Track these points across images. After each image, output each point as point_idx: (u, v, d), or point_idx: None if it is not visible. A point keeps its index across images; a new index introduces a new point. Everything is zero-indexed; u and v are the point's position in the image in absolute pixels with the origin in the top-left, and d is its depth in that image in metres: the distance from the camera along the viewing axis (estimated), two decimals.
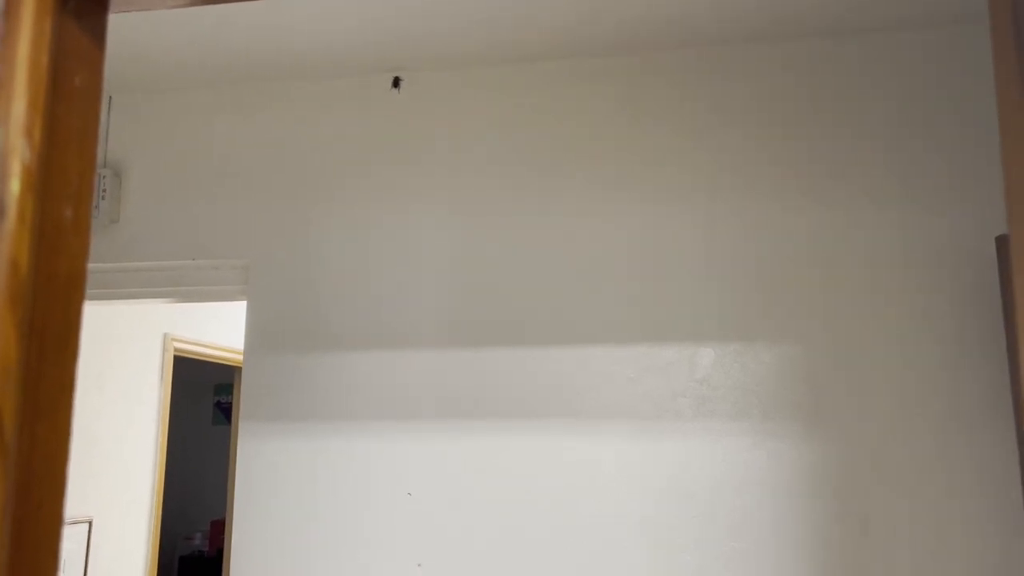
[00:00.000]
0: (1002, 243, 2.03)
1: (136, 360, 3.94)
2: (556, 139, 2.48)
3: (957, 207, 2.24)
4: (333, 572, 2.36)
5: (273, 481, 2.44)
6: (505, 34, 2.39)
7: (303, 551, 2.39)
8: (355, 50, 2.49)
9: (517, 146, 2.50)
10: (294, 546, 2.40)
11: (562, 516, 2.27)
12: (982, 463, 2.11)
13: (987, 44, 2.30)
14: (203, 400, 7.65)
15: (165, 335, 4.14)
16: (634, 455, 2.26)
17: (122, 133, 2.79)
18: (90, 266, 2.73)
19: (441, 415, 2.39)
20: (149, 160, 2.75)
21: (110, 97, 2.82)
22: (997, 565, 2.06)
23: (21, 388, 0.61)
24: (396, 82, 2.61)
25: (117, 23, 2.36)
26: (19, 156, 0.62)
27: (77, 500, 3.55)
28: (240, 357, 4.68)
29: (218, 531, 7.05)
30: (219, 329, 4.62)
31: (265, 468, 2.45)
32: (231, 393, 7.47)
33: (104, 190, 2.68)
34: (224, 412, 7.56)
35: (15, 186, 0.62)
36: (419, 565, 2.32)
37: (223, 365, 4.78)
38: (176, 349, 4.23)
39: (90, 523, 3.59)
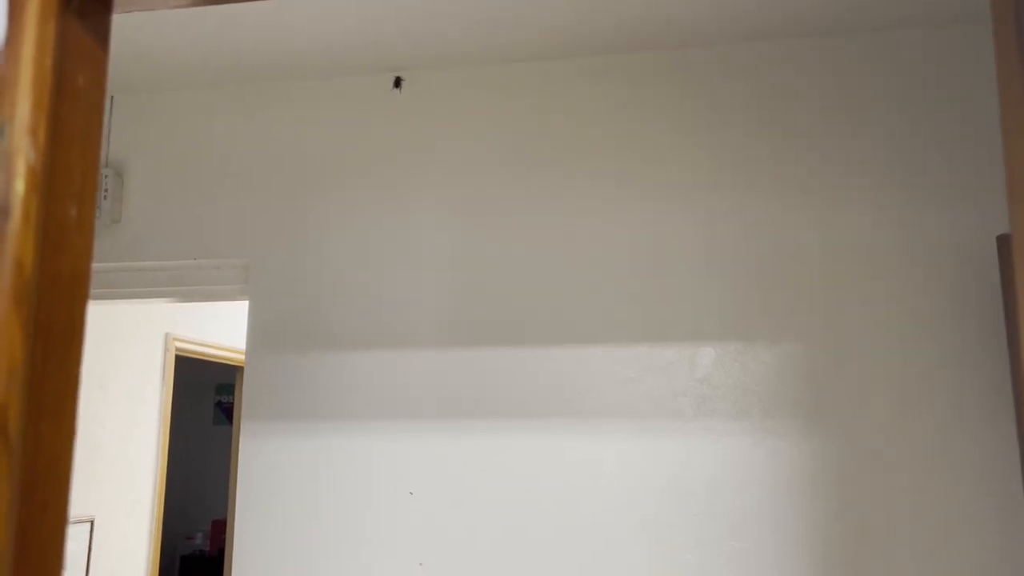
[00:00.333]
0: (1003, 242, 2.03)
1: (138, 360, 3.94)
2: (556, 138, 2.49)
3: (958, 206, 2.24)
4: (334, 571, 2.36)
5: (274, 481, 2.45)
6: (505, 34, 2.39)
7: (304, 550, 2.39)
8: (356, 50, 2.49)
9: (517, 145, 2.51)
10: (295, 546, 2.40)
11: (563, 515, 2.27)
12: (983, 461, 2.11)
13: (989, 43, 2.30)
14: (204, 400, 7.65)
15: (167, 335, 4.14)
16: (635, 454, 2.27)
17: (124, 133, 2.79)
18: (92, 266, 2.73)
19: (442, 415, 2.39)
20: (151, 160, 2.75)
21: (112, 97, 2.82)
22: (998, 563, 2.06)
23: (26, 387, 0.62)
24: (398, 82, 2.61)
25: (119, 24, 2.36)
26: (24, 156, 0.63)
27: (79, 499, 3.55)
28: (241, 357, 4.68)
29: (219, 531, 7.06)
30: (220, 329, 4.62)
31: (266, 468, 2.46)
32: (232, 393, 7.47)
33: (106, 190, 2.68)
34: (225, 412, 7.57)
35: (20, 186, 0.62)
36: (420, 564, 2.32)
37: (224, 365, 4.78)
38: (178, 349, 4.23)
39: (92, 523, 3.59)
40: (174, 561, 7.13)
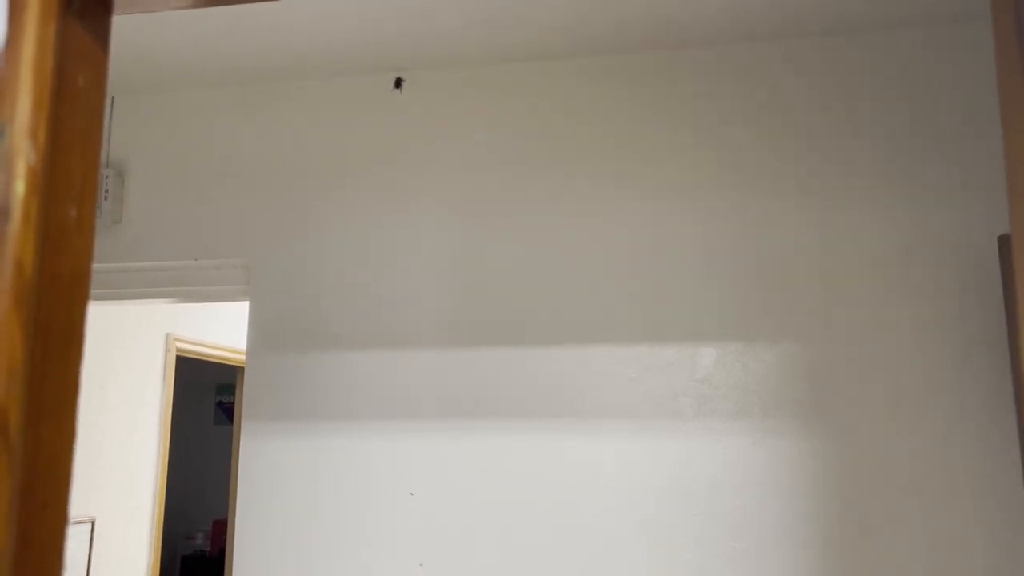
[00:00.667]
0: (1004, 242, 2.03)
1: (138, 360, 3.94)
2: (556, 138, 2.49)
3: (959, 206, 2.24)
4: (335, 572, 2.36)
5: (275, 481, 2.45)
6: (505, 34, 2.39)
7: (305, 551, 2.39)
8: (356, 50, 2.49)
9: (517, 145, 2.51)
10: (296, 546, 2.40)
11: (563, 515, 2.27)
12: (984, 461, 2.11)
13: (989, 42, 2.30)
14: (205, 400, 7.65)
15: (167, 335, 4.15)
16: (635, 454, 2.27)
17: (124, 134, 2.79)
18: (93, 266, 2.73)
19: (442, 415, 2.39)
20: (151, 161, 2.75)
21: (112, 98, 2.83)
22: (999, 564, 2.06)
23: (26, 388, 0.62)
24: (398, 82, 2.61)
25: (119, 25, 2.36)
26: (24, 157, 0.63)
27: (80, 500, 3.56)
28: (242, 357, 4.68)
29: (220, 531, 7.06)
30: (221, 329, 4.63)
31: (267, 468, 2.46)
32: (233, 393, 7.47)
33: (107, 191, 2.68)
34: (226, 412, 7.57)
35: (20, 187, 0.62)
36: (421, 565, 2.32)
37: (225, 365, 4.78)
38: (178, 349, 4.23)
39: (93, 523, 3.59)
40: (175, 561, 7.13)
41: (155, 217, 2.70)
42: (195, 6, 0.78)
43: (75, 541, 3.51)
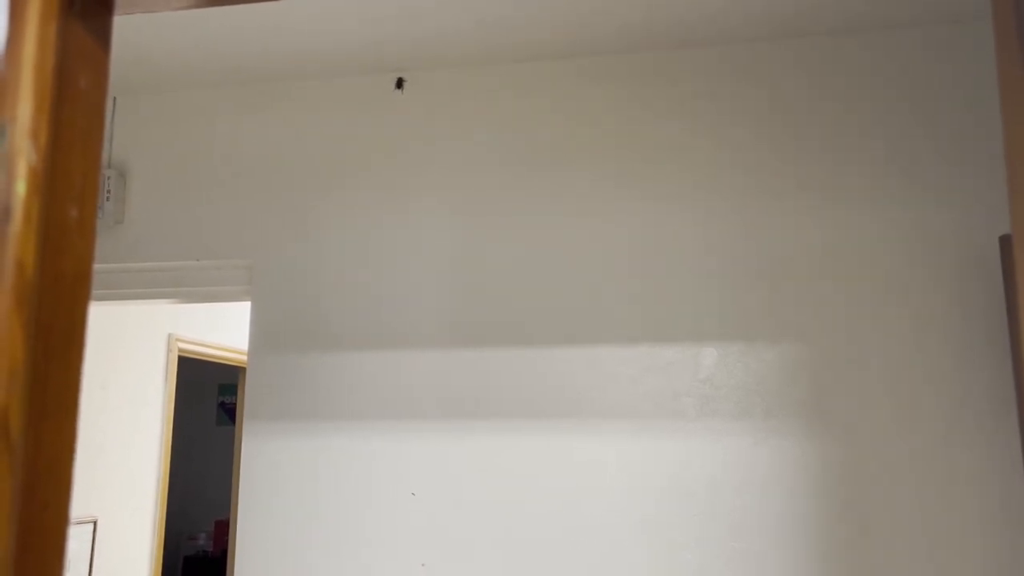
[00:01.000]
0: (1006, 243, 2.03)
1: (140, 361, 3.94)
2: (558, 138, 2.49)
3: (960, 205, 2.24)
4: (336, 572, 2.36)
5: (277, 481, 2.45)
6: (506, 34, 2.39)
7: (307, 551, 2.40)
8: (357, 51, 2.49)
9: (517, 145, 2.51)
10: (298, 546, 2.40)
11: (564, 516, 2.28)
12: (986, 462, 2.11)
13: (989, 42, 2.30)
14: (207, 400, 7.66)
15: (169, 336, 4.15)
16: (636, 455, 2.27)
17: (126, 134, 2.79)
18: (94, 267, 2.74)
19: (444, 415, 2.39)
20: (152, 161, 2.75)
21: (114, 99, 2.83)
22: (1000, 565, 2.06)
23: (27, 388, 0.62)
24: (400, 83, 2.61)
25: (120, 25, 2.36)
26: (25, 158, 0.63)
27: (82, 500, 3.56)
28: (243, 357, 4.69)
29: (222, 531, 7.06)
30: (222, 329, 4.63)
31: (269, 468, 2.46)
32: (235, 393, 7.48)
33: (108, 191, 2.69)
34: (228, 412, 7.57)
35: (21, 188, 0.63)
36: (423, 565, 2.32)
37: (226, 365, 4.79)
38: (180, 350, 4.24)
39: (95, 523, 3.60)
40: (177, 561, 7.13)
41: (156, 217, 2.71)
42: (196, 6, 0.78)
43: (77, 541, 3.51)
